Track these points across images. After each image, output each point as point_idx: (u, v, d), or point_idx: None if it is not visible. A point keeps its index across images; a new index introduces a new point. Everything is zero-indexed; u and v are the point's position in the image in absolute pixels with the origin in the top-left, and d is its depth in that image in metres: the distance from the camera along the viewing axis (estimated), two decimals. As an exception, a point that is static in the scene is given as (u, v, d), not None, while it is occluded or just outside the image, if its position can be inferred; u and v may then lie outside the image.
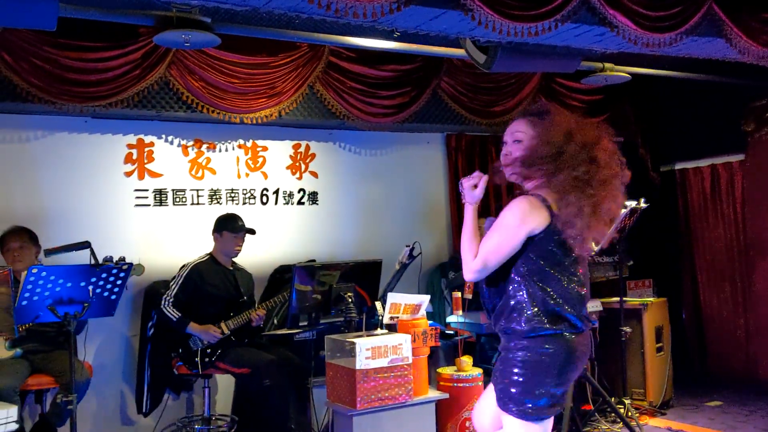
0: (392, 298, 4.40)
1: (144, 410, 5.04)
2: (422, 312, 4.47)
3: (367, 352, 3.94)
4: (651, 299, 6.00)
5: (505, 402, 2.60)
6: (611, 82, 6.11)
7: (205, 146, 5.57)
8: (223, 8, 3.29)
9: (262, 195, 5.80)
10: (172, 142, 5.46)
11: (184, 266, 4.89)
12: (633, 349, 5.82)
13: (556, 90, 6.78)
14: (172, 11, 4.04)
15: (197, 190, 5.53)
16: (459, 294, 5.04)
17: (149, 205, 5.35)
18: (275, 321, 5.21)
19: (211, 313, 4.80)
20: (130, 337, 5.22)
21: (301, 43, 5.41)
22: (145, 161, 5.35)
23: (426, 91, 6.19)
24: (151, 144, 5.38)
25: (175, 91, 5.23)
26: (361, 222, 6.22)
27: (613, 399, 5.37)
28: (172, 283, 4.82)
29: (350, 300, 4.51)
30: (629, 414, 5.31)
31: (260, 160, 5.79)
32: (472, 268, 2.66)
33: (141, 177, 5.33)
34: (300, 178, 5.97)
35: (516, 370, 2.57)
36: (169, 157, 5.44)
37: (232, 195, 5.66)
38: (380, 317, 4.47)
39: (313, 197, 6.03)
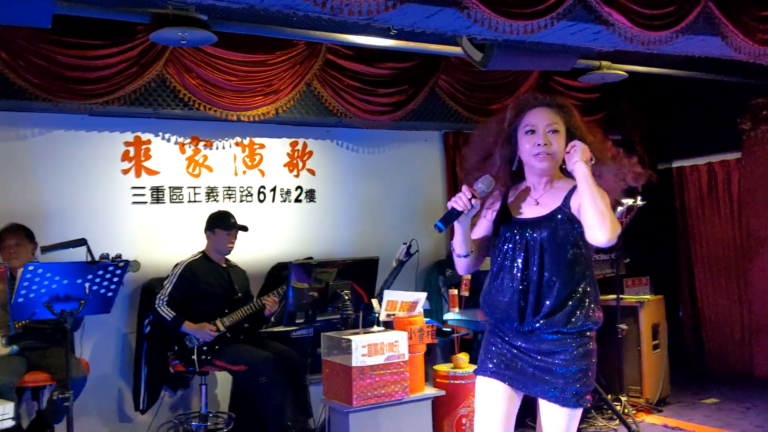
0: (389, 295, 4.41)
1: (141, 407, 5.05)
2: (419, 309, 4.48)
3: (364, 350, 3.95)
4: (648, 297, 6.01)
5: (583, 397, 2.58)
6: (608, 80, 6.12)
7: (202, 144, 5.57)
8: (219, 6, 3.29)
9: (259, 192, 5.80)
10: (169, 140, 5.47)
11: (177, 265, 4.89)
12: (629, 346, 5.83)
13: (554, 88, 6.78)
14: (169, 9, 4.04)
15: (194, 188, 5.53)
16: (456, 291, 5.05)
17: (146, 202, 5.35)
18: (272, 318, 5.22)
19: (206, 311, 4.80)
20: (127, 334, 5.23)
21: (298, 40, 5.41)
22: (142, 159, 5.35)
23: (423, 89, 6.20)
24: (148, 141, 5.38)
25: (172, 89, 5.24)
26: (358, 220, 6.23)
27: (609, 396, 5.39)
28: (166, 283, 4.82)
29: (347, 297, 4.52)
30: (626, 411, 5.32)
31: (257, 157, 5.80)
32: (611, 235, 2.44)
33: (138, 174, 5.33)
34: (297, 175, 5.98)
35: (594, 360, 2.62)
36: (166, 154, 5.44)
37: (229, 193, 5.67)
38: (377, 315, 4.48)
39: (311, 195, 6.04)
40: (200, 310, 4.80)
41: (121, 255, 4.07)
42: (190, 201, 5.51)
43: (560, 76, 6.72)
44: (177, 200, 5.46)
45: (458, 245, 2.68)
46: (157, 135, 5.42)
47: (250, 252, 5.52)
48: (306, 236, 5.96)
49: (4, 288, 3.74)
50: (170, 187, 5.44)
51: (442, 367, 4.71)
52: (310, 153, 6.05)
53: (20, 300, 3.67)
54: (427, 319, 4.55)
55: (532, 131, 2.59)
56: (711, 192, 7.19)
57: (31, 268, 3.63)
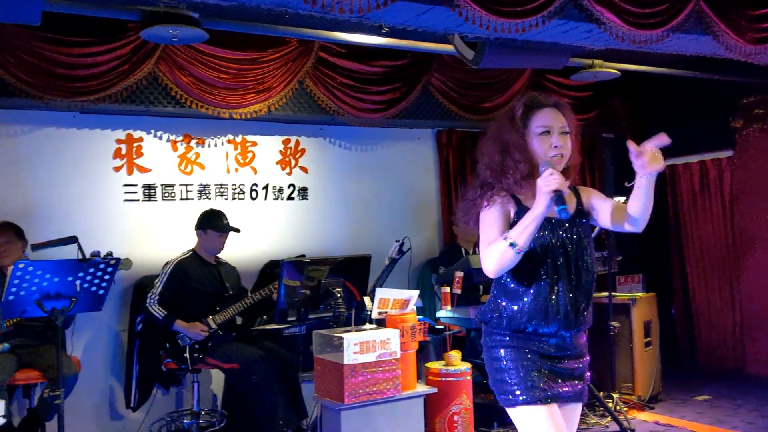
0: (381, 293, 4.41)
1: (132, 405, 5.05)
2: (411, 307, 4.48)
3: (356, 347, 3.95)
4: (640, 294, 6.02)
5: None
6: (601, 79, 6.13)
7: (194, 141, 5.57)
8: (210, 3, 3.29)
9: (251, 190, 5.80)
10: (161, 138, 5.46)
11: (167, 264, 4.89)
12: (621, 343, 5.84)
13: (547, 86, 6.79)
14: (160, 6, 4.03)
15: (186, 186, 5.53)
16: (448, 289, 5.05)
17: (138, 200, 5.35)
18: (264, 316, 5.22)
19: (198, 309, 4.80)
20: (118, 331, 5.22)
21: (290, 38, 5.41)
22: (134, 156, 5.34)
23: (416, 86, 6.21)
24: (140, 139, 5.37)
25: (164, 87, 5.23)
26: (351, 217, 6.23)
27: (601, 393, 5.40)
28: (156, 282, 4.81)
29: (339, 295, 4.51)
30: (617, 408, 5.34)
31: (249, 155, 5.79)
32: None
33: (130, 172, 5.32)
34: (290, 173, 5.98)
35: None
36: (158, 152, 5.44)
37: (222, 190, 5.66)
38: (369, 312, 4.48)
39: (303, 192, 6.04)
40: (191, 308, 4.79)
41: (112, 252, 4.07)
42: (182, 199, 5.50)
43: (553, 75, 6.73)
44: (169, 198, 5.46)
45: (529, 238, 2.40)
46: (149, 133, 5.41)
47: (242, 250, 5.52)
48: (298, 234, 5.96)
49: (-6, 286, 3.74)
50: (162, 185, 5.43)
51: (435, 365, 4.72)
52: (303, 151, 6.04)
53: (11, 298, 3.66)
54: (420, 317, 4.55)
55: (547, 132, 2.53)
56: (703, 190, 7.21)
57: (21, 266, 3.62)
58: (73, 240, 4.41)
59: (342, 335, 3.96)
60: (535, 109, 2.58)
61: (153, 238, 5.36)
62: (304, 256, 5.61)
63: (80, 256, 4.27)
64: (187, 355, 4.70)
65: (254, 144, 5.82)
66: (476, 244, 6.26)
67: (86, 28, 4.79)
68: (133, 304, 5.14)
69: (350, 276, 4.70)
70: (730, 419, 5.39)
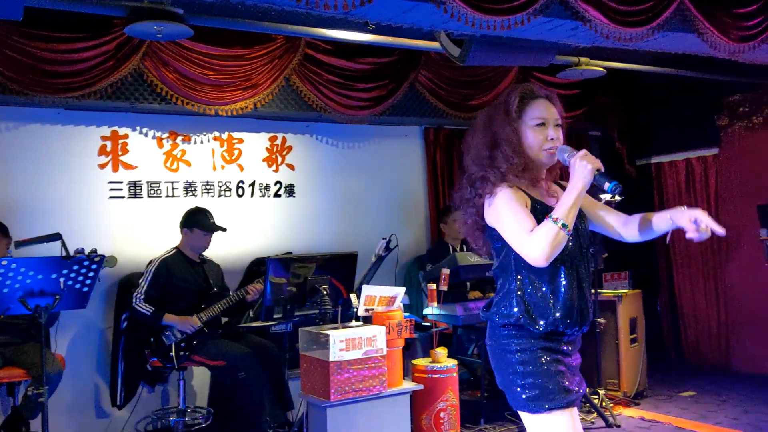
0: (367, 290, 4.41)
1: (118, 402, 5.02)
2: (398, 304, 4.48)
3: (341, 344, 3.95)
4: (626, 291, 6.05)
5: None
6: (587, 77, 6.15)
7: (179, 138, 5.54)
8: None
9: (238, 187, 5.78)
10: (146, 134, 5.43)
11: (151, 262, 4.86)
12: (607, 340, 5.87)
13: (534, 84, 6.80)
14: (144, 2, 4.01)
15: (172, 183, 5.50)
16: (434, 286, 5.06)
17: (123, 197, 5.32)
18: (251, 313, 5.20)
19: (182, 307, 4.78)
20: (104, 329, 5.19)
21: (276, 35, 5.39)
22: (120, 153, 5.31)
23: (403, 84, 6.20)
24: (126, 136, 5.34)
25: (149, 83, 5.20)
26: (338, 215, 6.22)
27: (587, 389, 5.43)
28: (141, 281, 4.78)
29: (325, 292, 4.51)
30: (603, 404, 5.37)
31: (236, 152, 5.77)
32: None
33: (115, 169, 5.29)
34: (276, 170, 5.96)
35: None
36: (144, 149, 5.41)
37: (208, 187, 5.64)
38: (355, 309, 4.48)
39: (290, 190, 6.02)
40: (176, 306, 4.77)
41: (96, 250, 4.04)
42: (168, 196, 5.48)
43: (540, 72, 6.74)
44: (155, 195, 5.43)
45: (574, 218, 2.31)
46: (134, 129, 5.39)
47: (229, 247, 5.51)
48: (285, 231, 5.95)
49: (-23, 283, 3.70)
50: (148, 182, 5.41)
51: (421, 362, 4.72)
52: (290, 148, 6.03)
53: (-6, 295, 3.64)
54: (407, 314, 4.55)
55: (543, 124, 2.48)
56: (689, 187, 7.25)
57: (4, 263, 3.60)
58: (57, 237, 4.39)
59: (328, 332, 3.96)
60: (529, 100, 2.51)
61: (138, 235, 5.33)
62: (291, 253, 5.58)
63: (64, 254, 4.24)
64: (172, 353, 4.68)
65: (240, 141, 5.80)
66: (464, 242, 6.32)
67: (70, 23, 4.75)
68: (118, 302, 5.11)
69: (337, 273, 4.70)
70: (715, 415, 5.43)
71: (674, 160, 7.33)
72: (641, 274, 7.01)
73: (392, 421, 4.17)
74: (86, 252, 3.99)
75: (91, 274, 3.92)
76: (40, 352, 3.87)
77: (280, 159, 5.98)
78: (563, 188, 2.60)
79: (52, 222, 4.86)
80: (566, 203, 2.31)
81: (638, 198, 7.17)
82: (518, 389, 2.39)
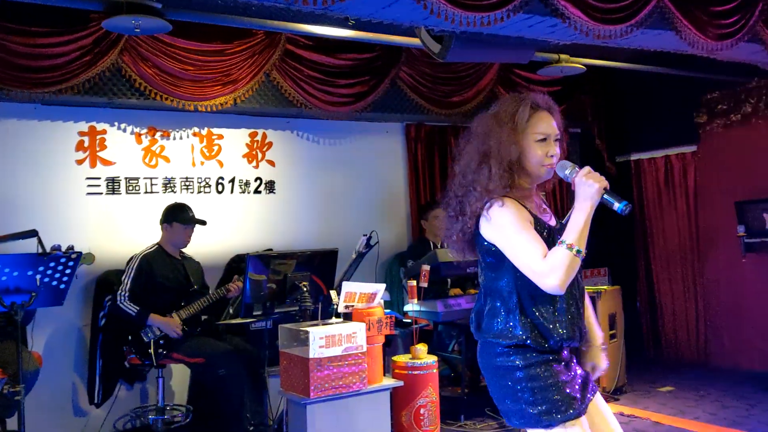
0: (347, 286, 4.39)
1: (96, 401, 4.98)
2: (378, 300, 4.47)
3: (321, 341, 3.93)
4: (605, 287, 6.09)
5: None
6: (567, 74, 6.17)
7: (158, 134, 5.50)
8: (172, -7, 3.25)
9: (217, 183, 5.75)
10: (125, 130, 5.38)
11: (132, 258, 4.83)
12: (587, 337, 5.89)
13: (515, 81, 6.83)
14: (122, -4, 3.97)
15: (151, 179, 5.46)
16: (414, 282, 5.05)
17: (101, 193, 5.27)
18: (230, 310, 5.18)
19: (162, 304, 4.75)
20: (81, 327, 5.15)
21: (257, 30, 5.36)
22: (97, 149, 5.26)
23: (385, 80, 6.19)
24: (104, 131, 5.29)
25: (127, 78, 5.16)
26: (319, 211, 6.21)
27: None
28: (123, 278, 4.74)
29: (305, 289, 4.49)
30: (582, 400, 5.39)
31: (215, 148, 5.74)
32: None
33: (93, 165, 5.25)
34: (257, 166, 5.93)
35: None
36: (122, 144, 5.36)
37: (187, 183, 5.60)
38: (335, 306, 4.46)
39: (270, 186, 6.00)
40: (156, 302, 4.74)
41: (73, 246, 4.00)
42: (146, 192, 5.43)
43: (521, 70, 6.76)
44: (133, 191, 5.38)
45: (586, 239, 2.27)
46: (112, 125, 5.33)
47: (208, 244, 5.47)
48: (266, 228, 5.92)
49: (-49, 280, 3.65)
50: (126, 178, 5.36)
51: (401, 358, 4.72)
52: (270, 144, 6.00)
53: (-32, 292, 3.59)
54: (388, 311, 4.55)
55: (544, 139, 2.42)
56: (668, 184, 7.31)
57: (-21, 260, 3.55)
58: (33, 234, 4.33)
59: (308, 329, 3.94)
60: (533, 112, 2.44)
61: (116, 232, 5.29)
62: (271, 250, 5.57)
63: (40, 250, 4.19)
64: (151, 350, 4.65)
65: (220, 137, 5.77)
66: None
67: (47, 17, 4.70)
68: (96, 299, 5.06)
69: (317, 270, 4.68)
70: (693, 410, 5.48)
71: (654, 157, 7.39)
72: (620, 271, 7.06)
73: (372, 418, 4.16)
74: (63, 249, 3.95)
75: (68, 271, 3.87)
76: (17, 350, 3.81)
77: (260, 155, 5.95)
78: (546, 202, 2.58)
79: (28, 218, 4.81)
80: (576, 227, 2.25)
81: (618, 195, 7.22)
82: (527, 406, 2.34)
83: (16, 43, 4.67)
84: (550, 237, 2.37)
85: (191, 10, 4.44)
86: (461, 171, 2.46)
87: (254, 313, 4.59)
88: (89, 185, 5.22)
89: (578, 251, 2.22)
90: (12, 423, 4.35)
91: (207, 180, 5.70)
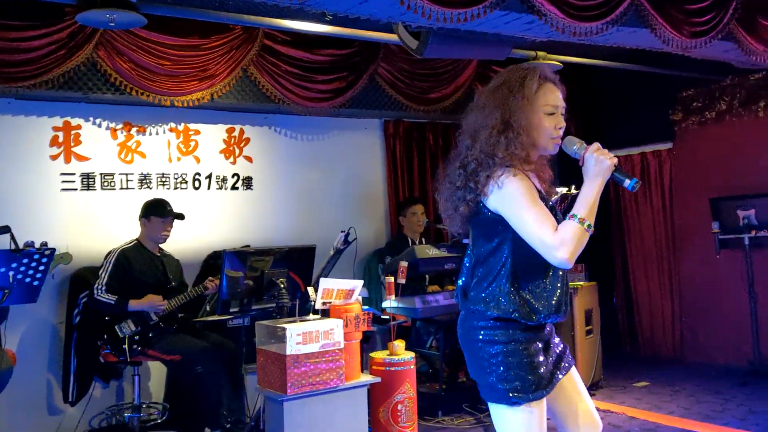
0: (325, 283, 4.38)
1: (71, 399, 4.93)
2: (355, 297, 4.47)
3: (298, 338, 3.92)
4: (581, 283, 6.12)
5: None
6: (545, 71, 6.18)
7: (134, 129, 5.45)
8: (148, -13, 3.22)
9: (194, 180, 5.71)
10: (100, 125, 5.33)
11: (110, 252, 4.78)
12: (563, 331, 5.92)
13: (493, 77, 6.82)
14: (96, -11, 3.93)
15: (126, 175, 5.41)
16: (392, 279, 5.05)
17: (76, 189, 5.21)
18: (207, 307, 5.15)
19: (139, 298, 4.70)
20: (55, 324, 5.09)
21: (234, 25, 5.33)
22: (72, 144, 5.20)
23: (363, 76, 6.19)
24: (78, 127, 5.24)
25: (102, 73, 5.11)
26: (297, 208, 6.19)
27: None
28: (101, 272, 4.70)
29: (283, 286, 4.48)
30: (559, 395, 5.42)
31: (192, 144, 5.70)
32: None
33: (67, 160, 5.19)
34: (234, 162, 5.90)
35: None
36: (97, 140, 5.31)
37: (163, 179, 5.55)
38: (313, 303, 4.45)
39: (248, 182, 5.97)
40: (133, 298, 4.69)
41: (47, 243, 3.95)
42: (122, 188, 5.39)
43: (499, 66, 6.77)
44: (108, 187, 5.33)
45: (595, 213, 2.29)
46: (87, 120, 5.28)
47: (185, 240, 5.44)
48: (243, 224, 5.90)
49: None
50: (101, 174, 5.31)
51: (379, 355, 4.71)
52: (248, 140, 5.97)
53: (-61, 290, 3.53)
54: (366, 307, 4.55)
55: (553, 113, 2.41)
56: (644, 181, 7.36)
57: (-51, 256, 3.50)
58: (5, 230, 4.26)
59: (285, 326, 3.93)
60: (542, 82, 2.42)
61: (91, 228, 5.23)
62: (248, 246, 5.55)
63: (13, 247, 4.13)
64: (126, 345, 4.61)
65: (197, 132, 5.73)
66: (422, 235, 6.34)
67: (21, 11, 4.63)
68: (70, 296, 5.01)
69: (294, 266, 4.67)
70: (668, 405, 5.54)
71: (630, 154, 7.44)
72: (597, 267, 7.10)
73: (350, 415, 4.16)
74: (36, 245, 3.90)
75: (41, 267, 3.82)
76: (-12, 348, 3.77)
77: (237, 151, 5.92)
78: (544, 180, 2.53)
79: (0, 214, 4.73)
80: (587, 201, 2.26)
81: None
82: (498, 381, 2.35)
83: (-12, 37, 4.61)
84: (553, 213, 2.36)
85: (167, 5, 4.40)
86: (473, 141, 2.42)
87: (231, 310, 4.56)
88: (64, 181, 5.16)
89: (589, 226, 2.24)
90: (-15, 422, 4.31)
91: (183, 176, 5.65)
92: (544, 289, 2.39)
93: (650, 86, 7.15)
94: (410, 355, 4.69)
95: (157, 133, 5.55)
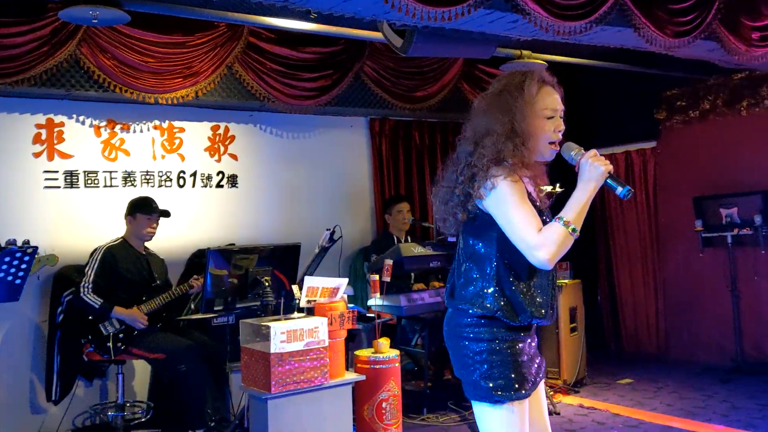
0: (309, 281, 4.37)
1: (54, 398, 4.90)
2: (340, 295, 4.46)
3: (282, 336, 3.91)
4: (566, 281, 6.15)
5: None
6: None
7: (118, 127, 5.42)
8: (131, -16, 3.19)
9: (179, 177, 5.69)
10: (83, 123, 5.30)
11: (96, 250, 4.76)
12: (548, 329, 5.96)
13: (478, 76, 6.86)
14: (79, -14, 3.90)
15: (110, 172, 5.38)
16: (377, 277, 5.05)
17: (59, 187, 5.18)
18: (192, 306, 5.13)
19: (125, 297, 4.70)
20: (39, 323, 5.05)
21: (218, 22, 5.30)
22: (55, 142, 5.17)
23: (349, 74, 6.18)
24: (61, 124, 5.20)
25: (86, 70, 5.08)
26: (282, 206, 6.17)
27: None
28: (87, 269, 4.67)
29: (267, 284, 4.47)
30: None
31: (177, 141, 5.67)
32: None
33: (50, 158, 5.15)
34: (219, 160, 5.88)
35: None
36: (81, 137, 5.28)
37: (147, 177, 5.53)
38: (297, 301, 4.45)
39: (233, 180, 5.95)
40: (118, 296, 4.68)
41: (29, 241, 3.92)
42: (106, 186, 5.36)
43: (484, 65, 6.80)
44: (92, 185, 5.30)
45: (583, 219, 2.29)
46: (70, 117, 5.25)
47: (170, 239, 5.42)
48: (228, 222, 5.88)
49: None
50: (85, 171, 5.28)
51: (364, 353, 4.72)
52: (233, 137, 5.95)
53: None
54: (352, 305, 4.54)
55: (552, 116, 2.41)
56: (628, 180, 7.40)
57: (-71, 255, 3.47)
58: (-13, 228, 4.24)
59: (269, 324, 3.92)
60: (540, 86, 2.42)
61: (75, 226, 5.20)
62: (233, 244, 5.53)
63: (-5, 245, 4.10)
64: (110, 343, 4.59)
65: (182, 130, 5.70)
66: (408, 233, 6.34)
67: (2, 7, 4.59)
68: (53, 294, 4.98)
69: (279, 265, 4.66)
70: (651, 401, 5.58)
71: (614, 152, 7.48)
72: (582, 265, 7.13)
73: (334, 413, 4.16)
74: (18, 243, 3.87)
75: (23, 266, 3.80)
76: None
77: (222, 149, 5.90)
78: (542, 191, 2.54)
79: (-17, 213, 4.72)
80: (576, 205, 2.27)
81: (580, 190, 7.29)
82: (480, 379, 2.36)
83: (-31, 34, 4.57)
84: (542, 218, 2.36)
85: (150, 2, 4.38)
86: (476, 146, 2.40)
87: (215, 309, 4.55)
88: (47, 179, 5.13)
89: (573, 230, 2.24)
90: (-34, 421, 4.28)
91: (168, 174, 5.63)
92: (529, 290, 2.39)
93: (635, 85, 7.19)
94: (395, 353, 4.69)
95: (141, 131, 5.52)
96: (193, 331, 4.97)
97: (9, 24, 4.67)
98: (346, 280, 4.56)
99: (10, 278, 3.77)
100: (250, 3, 4.22)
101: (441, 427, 5.04)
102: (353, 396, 4.34)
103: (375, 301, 5.25)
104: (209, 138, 5.84)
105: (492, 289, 2.37)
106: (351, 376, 4.36)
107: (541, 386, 2.58)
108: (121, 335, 4.62)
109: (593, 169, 2.30)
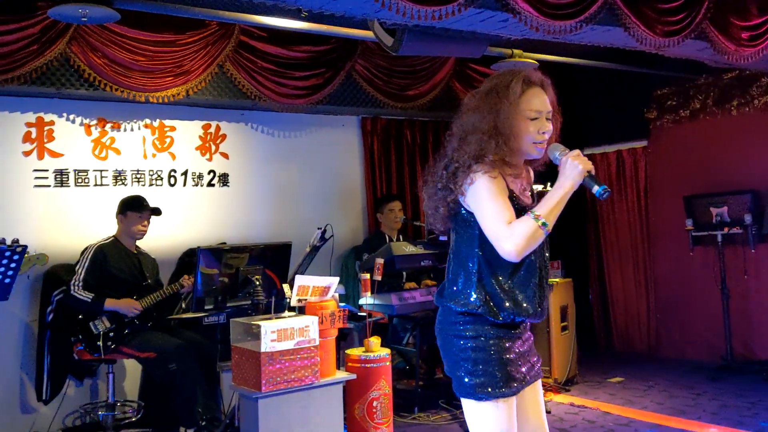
0: (300, 280, 4.37)
1: (44, 397, 4.88)
2: (331, 294, 4.47)
3: (273, 335, 3.91)
4: (557, 279, 6.17)
5: None
6: (520, 69, 6.21)
7: (109, 125, 5.40)
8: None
9: (170, 176, 5.67)
10: (74, 121, 5.28)
11: (87, 248, 4.74)
12: (539, 327, 5.97)
13: (470, 75, 6.87)
14: (69, -17, 3.88)
15: (101, 171, 5.36)
16: (368, 276, 5.06)
17: (49, 186, 5.16)
18: (183, 305, 5.12)
19: (115, 296, 4.68)
20: (29, 322, 5.03)
21: (210, 21, 5.29)
22: (45, 140, 5.15)
23: (340, 73, 6.18)
24: (52, 123, 5.18)
25: (76, 68, 5.06)
26: (274, 205, 6.17)
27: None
28: (77, 268, 4.66)
29: (258, 283, 4.46)
30: (534, 391, 5.46)
31: (168, 140, 5.66)
32: None
33: (41, 157, 5.13)
34: (210, 159, 5.87)
35: None
36: (71, 136, 5.26)
37: (138, 176, 5.51)
38: (288, 300, 4.45)
39: (224, 179, 5.94)
40: (109, 295, 4.66)
41: (19, 240, 3.90)
42: (96, 184, 5.34)
43: (476, 64, 6.80)
44: (82, 184, 5.28)
45: (556, 218, 2.29)
46: (60, 116, 5.23)
47: (161, 238, 5.40)
48: (219, 221, 5.87)
49: None
50: (75, 170, 5.26)
51: (354, 351, 4.72)
52: (224, 136, 5.94)
53: None
54: (342, 304, 4.54)
55: (536, 117, 2.41)
56: (619, 179, 7.44)
57: None
58: (-24, 227, 4.22)
59: (259, 323, 3.92)
60: (527, 87, 2.43)
61: (65, 225, 5.19)
62: (224, 243, 5.52)
63: (-16, 244, 4.09)
64: (100, 342, 4.57)
65: (173, 129, 5.69)
66: (400, 232, 6.35)
67: (-9, 5, 4.58)
68: (43, 294, 4.96)
69: (270, 263, 4.65)
70: (641, 400, 5.60)
71: (606, 151, 7.51)
72: (573, 263, 7.16)
73: (325, 412, 4.16)
74: (8, 242, 3.86)
75: (12, 265, 3.79)
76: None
77: (213, 147, 5.89)
78: (533, 193, 2.57)
79: (-28, 212, 4.69)
80: (551, 201, 2.27)
81: (571, 189, 7.31)
82: (465, 375, 2.38)
83: (-42, 32, 4.55)
84: (521, 215, 2.35)
85: (141, 0, 4.36)
86: (461, 143, 2.43)
87: (206, 308, 4.54)
88: (37, 177, 5.11)
89: (544, 224, 2.24)
90: (-45, 421, 4.26)
91: (159, 173, 5.62)
92: (510, 288, 2.39)
93: (626, 85, 7.21)
94: (386, 352, 4.70)
95: (131, 130, 5.51)
96: (183, 330, 4.96)
97: (-2, 22, 4.66)
98: (338, 279, 4.57)
99: (-1, 277, 3.76)
100: (241, 1, 4.23)
101: (432, 426, 5.05)
102: (344, 395, 4.35)
103: (366, 299, 5.25)
104: (200, 137, 5.83)
105: (475, 285, 2.39)
106: (342, 375, 4.37)
107: (539, 385, 2.58)
108: (111, 334, 4.61)
109: (572, 167, 2.31)
